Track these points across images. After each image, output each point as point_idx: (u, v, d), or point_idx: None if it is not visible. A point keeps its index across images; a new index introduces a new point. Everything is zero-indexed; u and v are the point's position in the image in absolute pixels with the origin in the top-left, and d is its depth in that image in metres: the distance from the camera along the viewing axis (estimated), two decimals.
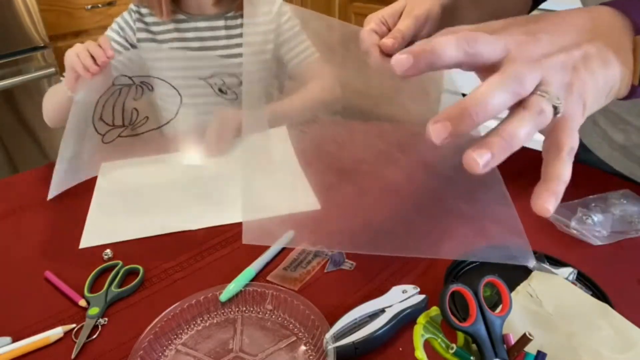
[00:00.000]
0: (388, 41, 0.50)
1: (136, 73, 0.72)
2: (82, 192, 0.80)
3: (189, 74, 0.75)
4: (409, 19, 0.53)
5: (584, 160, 0.81)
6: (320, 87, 1.04)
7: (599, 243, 0.63)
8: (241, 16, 1.07)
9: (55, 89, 0.93)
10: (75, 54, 0.76)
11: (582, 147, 0.81)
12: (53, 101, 0.90)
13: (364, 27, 0.53)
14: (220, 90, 0.73)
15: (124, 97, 0.69)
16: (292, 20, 1.10)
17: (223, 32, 1.06)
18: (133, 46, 1.07)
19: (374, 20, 0.54)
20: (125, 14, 1.07)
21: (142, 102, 0.69)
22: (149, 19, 1.06)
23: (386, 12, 0.55)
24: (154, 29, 1.06)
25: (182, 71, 0.79)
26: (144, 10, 1.06)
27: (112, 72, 0.72)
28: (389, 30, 0.53)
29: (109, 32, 1.07)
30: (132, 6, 1.07)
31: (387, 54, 0.51)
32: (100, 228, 0.72)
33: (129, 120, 0.67)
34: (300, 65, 1.10)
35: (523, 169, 0.80)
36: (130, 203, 0.77)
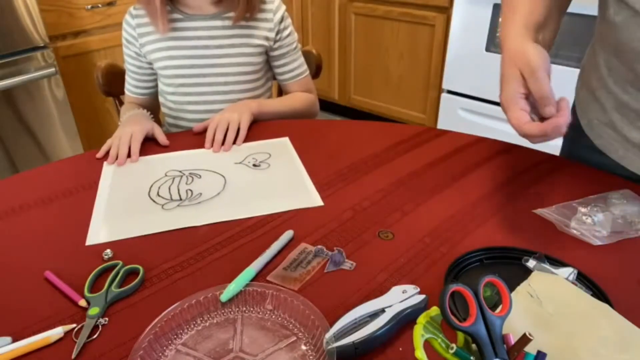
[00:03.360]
0: (552, 109, 0.57)
1: (186, 167, 0.88)
2: (81, 193, 0.81)
3: (227, 162, 0.90)
4: (541, 78, 0.58)
5: (598, 164, 0.79)
6: (305, 97, 1.17)
7: (599, 243, 0.63)
8: (239, 17, 1.07)
9: (125, 109, 1.13)
10: (118, 138, 0.92)
11: (595, 150, 0.80)
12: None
13: (509, 114, 0.59)
14: (254, 165, 0.88)
15: (177, 183, 0.83)
16: (292, 35, 1.13)
17: (220, 32, 1.06)
18: (141, 55, 1.08)
19: (515, 100, 0.59)
20: (126, 21, 1.08)
21: (194, 184, 0.82)
22: (145, 20, 1.07)
23: (515, 87, 0.59)
24: (151, 29, 1.06)
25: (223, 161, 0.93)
26: (140, 12, 1.07)
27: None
28: (526, 97, 0.59)
29: (124, 49, 1.13)
30: (131, 10, 1.08)
31: (545, 118, 0.58)
32: (107, 225, 0.72)
33: (185, 196, 0.79)
34: (289, 81, 1.17)
35: (523, 169, 0.80)
36: (136, 200, 0.78)
